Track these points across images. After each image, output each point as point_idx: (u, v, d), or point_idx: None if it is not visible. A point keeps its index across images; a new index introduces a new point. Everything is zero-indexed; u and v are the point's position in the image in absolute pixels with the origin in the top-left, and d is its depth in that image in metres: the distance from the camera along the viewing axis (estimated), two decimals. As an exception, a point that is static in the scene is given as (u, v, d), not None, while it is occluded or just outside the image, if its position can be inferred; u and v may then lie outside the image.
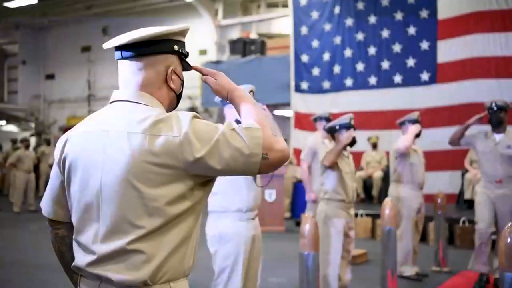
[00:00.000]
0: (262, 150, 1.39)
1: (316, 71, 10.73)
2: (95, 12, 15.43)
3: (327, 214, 4.36)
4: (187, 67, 1.59)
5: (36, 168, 12.45)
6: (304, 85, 10.73)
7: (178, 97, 1.59)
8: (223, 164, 1.38)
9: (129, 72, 1.51)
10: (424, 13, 9.56)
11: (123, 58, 1.51)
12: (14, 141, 13.30)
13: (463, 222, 7.36)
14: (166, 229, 1.40)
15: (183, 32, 1.55)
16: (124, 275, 1.38)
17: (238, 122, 3.32)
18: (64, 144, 1.53)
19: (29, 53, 17.79)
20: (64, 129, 16.65)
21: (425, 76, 9.54)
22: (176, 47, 1.52)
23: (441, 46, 9.39)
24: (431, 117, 8.75)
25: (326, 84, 10.62)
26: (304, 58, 10.82)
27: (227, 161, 1.38)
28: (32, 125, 17.85)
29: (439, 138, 8.94)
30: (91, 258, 1.43)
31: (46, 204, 1.62)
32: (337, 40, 10.49)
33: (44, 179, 13.44)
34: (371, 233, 8.13)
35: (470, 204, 8.24)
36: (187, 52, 1.58)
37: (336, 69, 10.51)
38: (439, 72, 9.39)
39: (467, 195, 8.28)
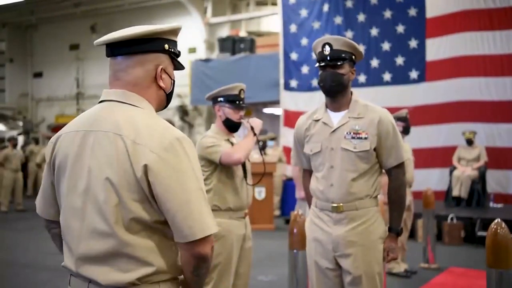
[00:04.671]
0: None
1: (305, 69, 10.74)
2: (83, 10, 15.31)
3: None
4: (179, 66, 1.58)
5: (24, 167, 12.34)
6: (294, 83, 10.75)
7: (169, 96, 1.58)
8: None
9: (118, 70, 1.50)
10: (412, 11, 9.60)
11: (113, 55, 1.50)
12: (1, 140, 13.18)
13: (451, 219, 7.41)
14: (154, 231, 1.41)
15: (174, 31, 1.54)
16: (112, 277, 1.38)
17: (228, 121, 3.33)
18: (55, 144, 1.52)
19: (16, 51, 17.61)
20: (53, 128, 16.52)
21: (414, 74, 9.59)
22: (167, 46, 1.51)
23: (430, 45, 9.43)
24: (420, 115, 8.79)
25: (315, 82, 10.61)
26: (293, 56, 10.82)
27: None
28: (20, 123, 17.67)
29: (428, 135, 9.03)
30: (78, 259, 1.42)
31: (39, 204, 1.62)
32: (326, 38, 10.49)
33: (32, 178, 13.33)
34: (360, 230, 8.15)
35: (458, 201, 8.32)
36: (179, 52, 1.57)
37: (326, 67, 10.52)
38: (428, 70, 9.44)
39: (455, 192, 8.34)
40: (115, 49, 1.49)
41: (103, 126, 1.43)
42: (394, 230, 2.66)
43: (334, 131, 2.61)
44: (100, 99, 1.53)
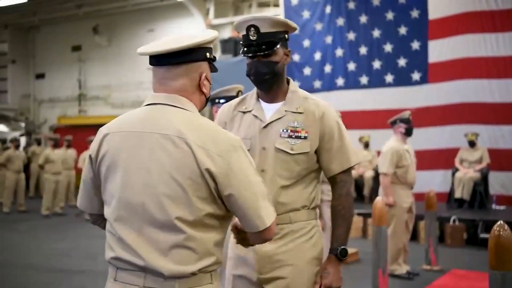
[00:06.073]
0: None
1: (307, 71, 10.75)
2: (85, 11, 15.34)
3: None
4: (214, 70, 1.68)
5: (27, 168, 12.36)
6: (295, 84, 10.74)
7: (207, 100, 1.69)
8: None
9: (164, 78, 1.58)
10: (415, 13, 9.60)
11: (160, 65, 1.57)
12: (3, 141, 13.20)
13: (454, 220, 7.40)
14: (214, 225, 1.51)
15: (213, 40, 1.64)
16: (176, 268, 1.45)
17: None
18: (101, 142, 1.57)
19: (18, 52, 17.65)
20: (55, 129, 16.55)
21: (416, 76, 9.58)
22: (208, 54, 1.61)
23: (432, 46, 9.43)
24: (423, 117, 8.79)
25: (317, 84, 10.64)
26: (296, 57, 10.82)
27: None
28: (22, 124, 17.71)
29: (430, 137, 9.02)
30: (139, 250, 1.47)
31: (82, 199, 1.67)
32: (329, 39, 10.50)
33: (35, 179, 13.35)
34: (362, 232, 8.16)
35: (460, 202, 8.31)
36: (215, 57, 1.66)
37: (328, 68, 10.53)
38: (430, 72, 9.43)
39: (457, 194, 8.33)
40: (162, 59, 1.56)
41: (161, 129, 1.50)
42: (334, 251, 2.08)
43: (266, 126, 2.12)
44: (148, 102, 1.59)
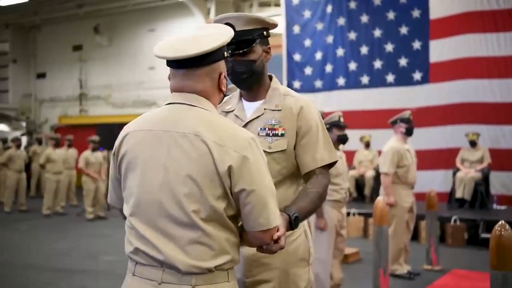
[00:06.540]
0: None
1: (308, 70, 10.74)
2: (86, 11, 15.35)
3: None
4: (227, 63, 1.66)
5: (28, 167, 12.37)
6: (297, 84, 10.74)
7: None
8: None
9: (186, 80, 1.57)
10: (416, 13, 9.59)
11: (179, 68, 1.56)
12: (4, 141, 13.20)
13: (455, 220, 7.39)
14: (228, 224, 1.52)
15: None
16: (193, 263, 1.46)
17: None
18: (122, 141, 1.60)
19: (19, 52, 17.66)
20: (56, 129, 16.56)
21: (417, 75, 9.58)
22: (226, 53, 1.61)
23: (433, 46, 9.42)
24: (424, 117, 8.78)
25: (318, 83, 10.63)
26: (297, 57, 10.82)
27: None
28: (23, 124, 17.72)
29: (431, 137, 9.01)
30: (155, 245, 1.49)
31: (111, 195, 1.72)
32: (330, 39, 10.50)
33: (36, 179, 13.35)
34: (363, 232, 8.15)
35: (461, 202, 8.29)
36: (229, 52, 1.67)
37: (328, 68, 10.52)
38: (431, 71, 9.42)
39: (458, 194, 8.32)
40: (185, 63, 1.54)
41: (179, 128, 1.51)
42: (289, 212, 1.80)
43: (245, 125, 2.05)
44: (169, 102, 1.60)
